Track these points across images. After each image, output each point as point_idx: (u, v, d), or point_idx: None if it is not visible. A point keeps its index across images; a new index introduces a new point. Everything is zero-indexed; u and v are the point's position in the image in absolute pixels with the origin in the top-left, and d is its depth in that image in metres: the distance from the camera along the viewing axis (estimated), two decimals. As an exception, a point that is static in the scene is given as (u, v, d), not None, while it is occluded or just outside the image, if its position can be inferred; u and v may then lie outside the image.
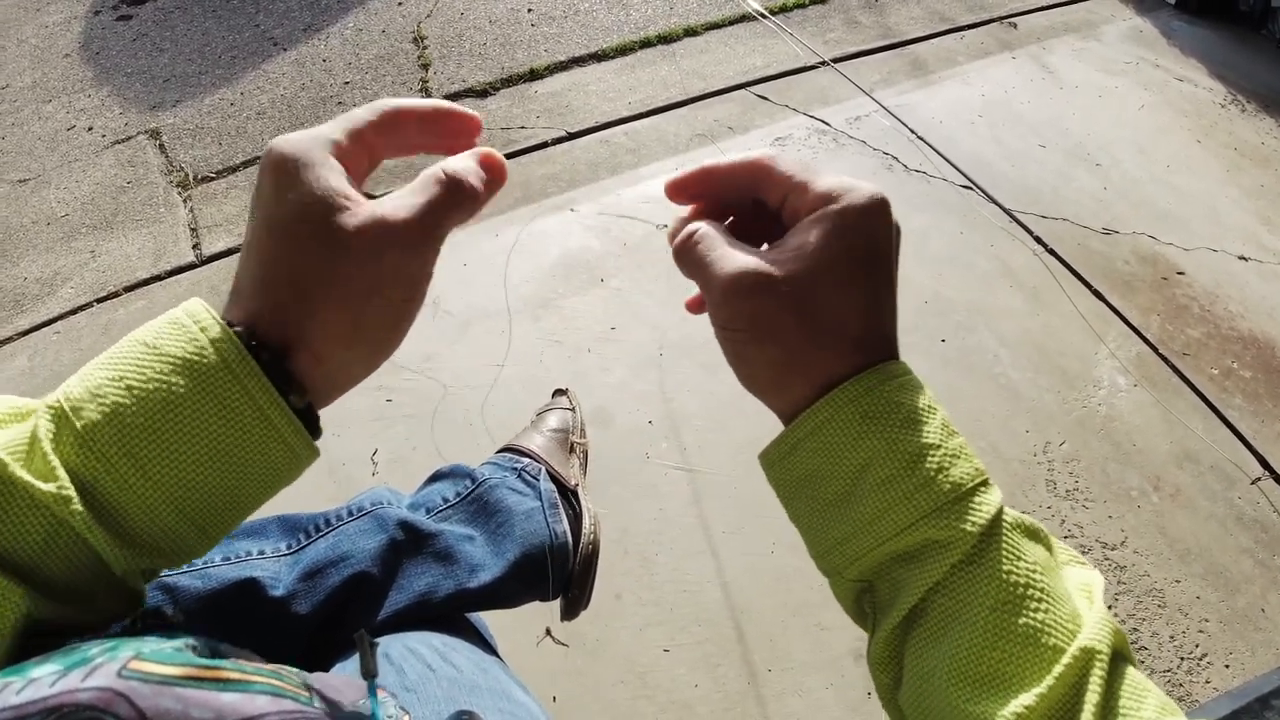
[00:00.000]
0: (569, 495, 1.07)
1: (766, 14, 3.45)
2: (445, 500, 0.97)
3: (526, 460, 1.09)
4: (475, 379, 2.06)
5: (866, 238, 0.45)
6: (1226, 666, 1.72)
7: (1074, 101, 3.10)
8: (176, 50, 3.34)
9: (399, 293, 0.43)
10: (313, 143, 0.43)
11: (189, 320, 0.41)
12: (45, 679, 0.33)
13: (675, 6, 3.53)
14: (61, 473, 0.37)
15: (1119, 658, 0.42)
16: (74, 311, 2.31)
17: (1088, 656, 0.40)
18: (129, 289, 2.37)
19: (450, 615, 0.87)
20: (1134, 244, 2.56)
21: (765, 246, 0.48)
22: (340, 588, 0.80)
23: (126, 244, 2.52)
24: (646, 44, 3.31)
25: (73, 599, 0.39)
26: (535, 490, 1.02)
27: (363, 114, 0.46)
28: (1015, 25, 3.53)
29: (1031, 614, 0.41)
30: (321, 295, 0.41)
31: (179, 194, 2.68)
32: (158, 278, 2.40)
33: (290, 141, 0.43)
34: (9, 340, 2.24)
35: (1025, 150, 2.87)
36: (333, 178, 0.42)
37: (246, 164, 2.78)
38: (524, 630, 1.65)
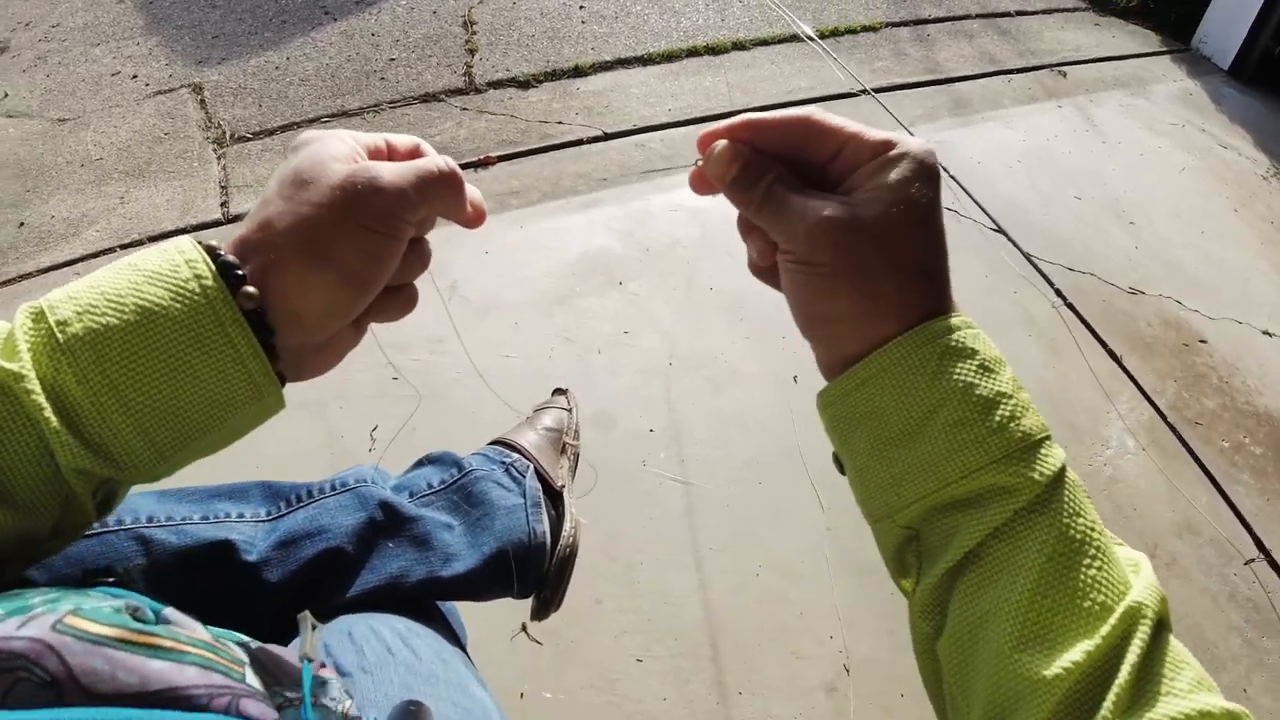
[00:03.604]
0: (554, 496, 1.06)
1: (815, 37, 3.44)
2: (430, 486, 0.97)
3: (516, 456, 1.08)
4: (482, 367, 2.05)
5: (931, 182, 0.48)
6: (1202, 743, 1.69)
7: (1115, 156, 3.08)
8: (229, 8, 3.36)
9: (365, 248, 0.46)
10: (341, 131, 0.49)
11: (169, 244, 0.45)
12: None
13: (726, 19, 3.53)
14: (25, 356, 0.39)
15: (1162, 625, 0.43)
16: (96, 255, 2.32)
17: (1133, 615, 0.41)
18: (153, 239, 2.38)
19: (421, 601, 0.87)
20: (1159, 306, 2.54)
21: None
22: (313, 560, 0.80)
23: (156, 194, 2.54)
24: (694, 53, 3.31)
25: (19, 503, 0.40)
26: (520, 487, 1.02)
27: (397, 138, 0.52)
28: (1065, 74, 3.51)
29: (1085, 569, 0.42)
30: (296, 223, 0.45)
31: (214, 150, 2.70)
32: (183, 230, 2.41)
33: (319, 130, 0.49)
34: (29, 276, 2.26)
35: (1061, 200, 2.85)
36: (343, 147, 0.48)
37: (284, 129, 2.79)
38: (500, 624, 1.64)
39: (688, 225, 2.52)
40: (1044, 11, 4.02)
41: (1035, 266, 2.57)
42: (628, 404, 2.05)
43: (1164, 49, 3.86)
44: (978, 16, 3.86)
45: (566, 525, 1.03)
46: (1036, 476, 0.43)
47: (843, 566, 1.82)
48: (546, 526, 0.99)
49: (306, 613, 0.54)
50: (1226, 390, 2.34)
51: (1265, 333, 2.52)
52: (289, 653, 0.48)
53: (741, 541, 1.83)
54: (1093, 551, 0.42)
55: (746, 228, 0.54)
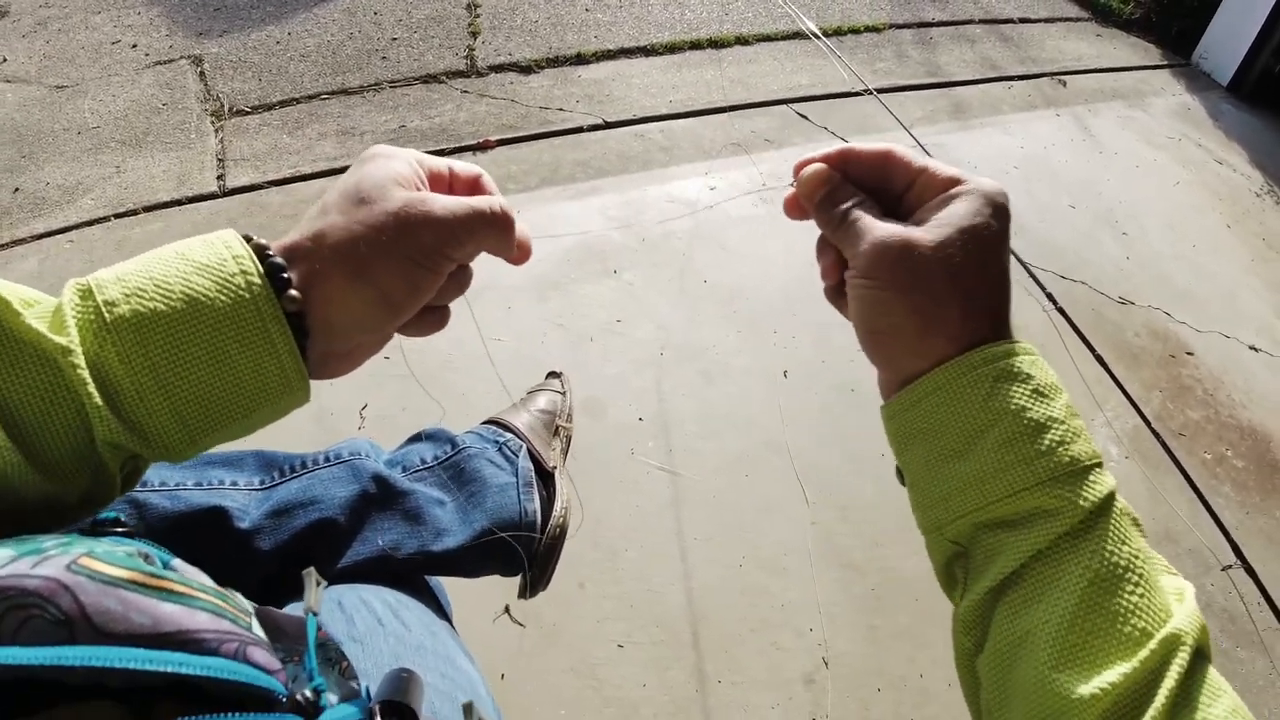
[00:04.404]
0: (546, 476, 1.07)
1: (820, 34, 3.45)
2: (423, 461, 0.97)
3: (509, 435, 1.09)
4: (474, 349, 2.06)
5: (1001, 218, 0.50)
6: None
7: (1111, 167, 3.10)
8: (231, -20, 3.35)
9: (407, 278, 0.48)
10: (410, 151, 0.51)
11: (215, 237, 0.46)
12: None
13: (730, 13, 3.53)
14: (74, 332, 0.40)
15: (1201, 654, 0.44)
16: (91, 223, 2.31)
17: (1173, 642, 0.42)
18: (148, 209, 2.37)
19: (409, 575, 0.87)
20: (1148, 317, 2.56)
21: None
22: (305, 530, 0.81)
23: (152, 164, 2.52)
24: (696, 45, 3.31)
25: (52, 471, 0.41)
26: (513, 466, 1.02)
27: (460, 166, 0.55)
28: (1064, 83, 3.53)
29: (1127, 595, 0.43)
30: (347, 240, 0.46)
31: (212, 123, 2.69)
32: (178, 202, 2.41)
33: (388, 146, 0.51)
34: (22, 241, 2.25)
35: (1055, 208, 2.86)
36: (407, 170, 0.50)
37: (282, 104, 2.78)
38: (482, 604, 1.65)
39: (684, 218, 2.53)
40: (1046, 20, 4.03)
41: (1029, 272, 2.58)
42: (618, 392, 2.05)
43: (1164, 63, 3.88)
44: (980, 22, 3.87)
45: (558, 505, 1.04)
46: (1082, 502, 0.44)
47: (826, 561, 1.83)
48: (538, 506, 0.99)
49: (311, 569, 0.54)
50: (1211, 403, 2.36)
51: (1252, 347, 2.55)
52: (281, 614, 0.49)
53: (726, 533, 1.84)
54: (1135, 578, 0.43)
55: (822, 246, 0.57)
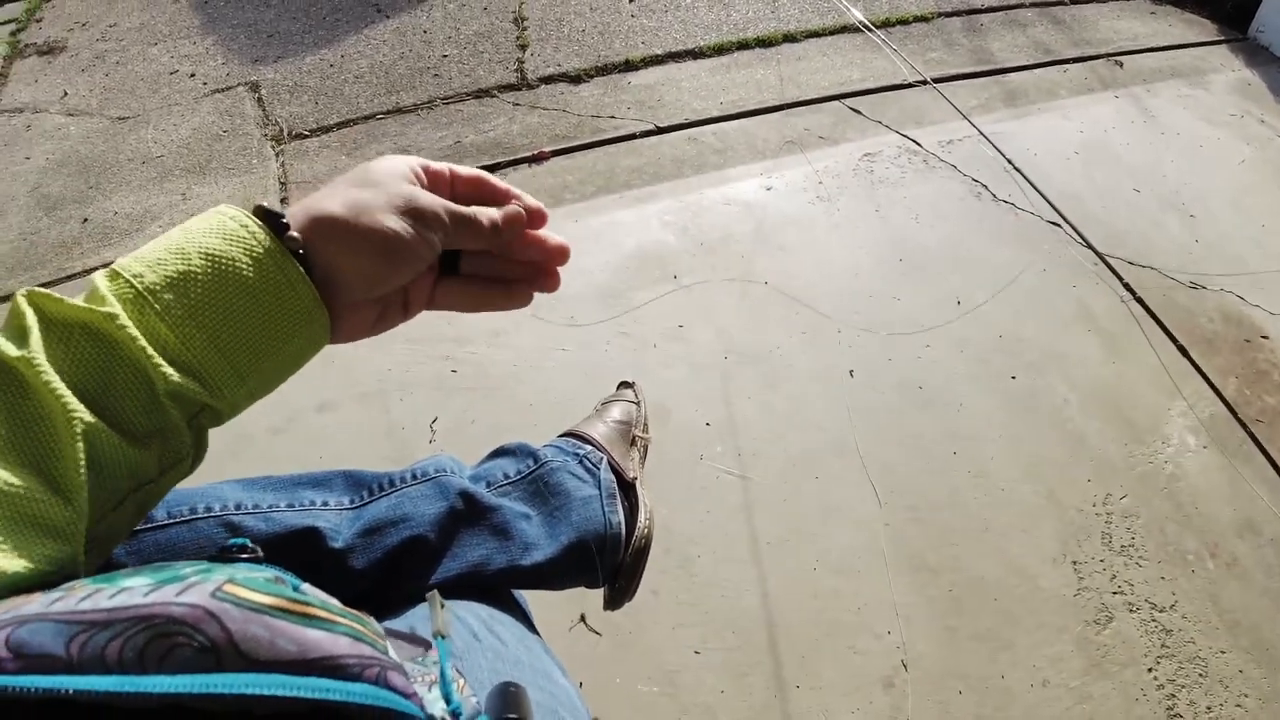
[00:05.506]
0: (627, 487, 1.08)
1: (871, 27, 3.42)
2: (506, 476, 0.99)
3: (588, 448, 1.10)
4: (539, 360, 2.07)
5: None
6: (1263, 745, 1.67)
7: (1173, 148, 3.03)
8: (282, 7, 3.41)
9: (397, 232, 0.54)
10: (411, 156, 0.59)
11: (210, 211, 0.52)
12: (139, 589, 0.35)
13: (777, 10, 3.51)
14: (114, 303, 0.45)
15: None
16: (161, 250, 2.37)
17: None
18: (215, 234, 2.42)
19: (497, 590, 0.88)
20: (1220, 301, 2.49)
21: None
22: (397, 548, 0.82)
23: (217, 190, 2.58)
24: (744, 45, 3.30)
25: (128, 433, 0.46)
26: (595, 478, 1.03)
27: (461, 169, 0.61)
28: (1121, 64, 3.45)
29: None
30: (348, 198, 0.53)
31: (272, 148, 2.74)
32: (244, 226, 2.45)
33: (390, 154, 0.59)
34: (93, 269, 2.31)
35: (1118, 192, 2.80)
36: (405, 167, 0.57)
37: (340, 125, 2.83)
38: (559, 614, 1.66)
39: (742, 219, 2.52)
40: (1098, 0, 3.95)
41: (1103, 260, 2.53)
42: (683, 398, 2.05)
43: (1221, 38, 3.77)
44: (1031, 6, 3.80)
45: (642, 516, 1.05)
46: None
47: (900, 563, 1.82)
48: (622, 517, 1.00)
49: (435, 592, 0.56)
50: (1290, 387, 2.30)
51: (1330, 328, 2.47)
52: (396, 632, 0.50)
53: (798, 537, 1.84)
54: None
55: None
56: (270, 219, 0.51)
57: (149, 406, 0.46)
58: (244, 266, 0.49)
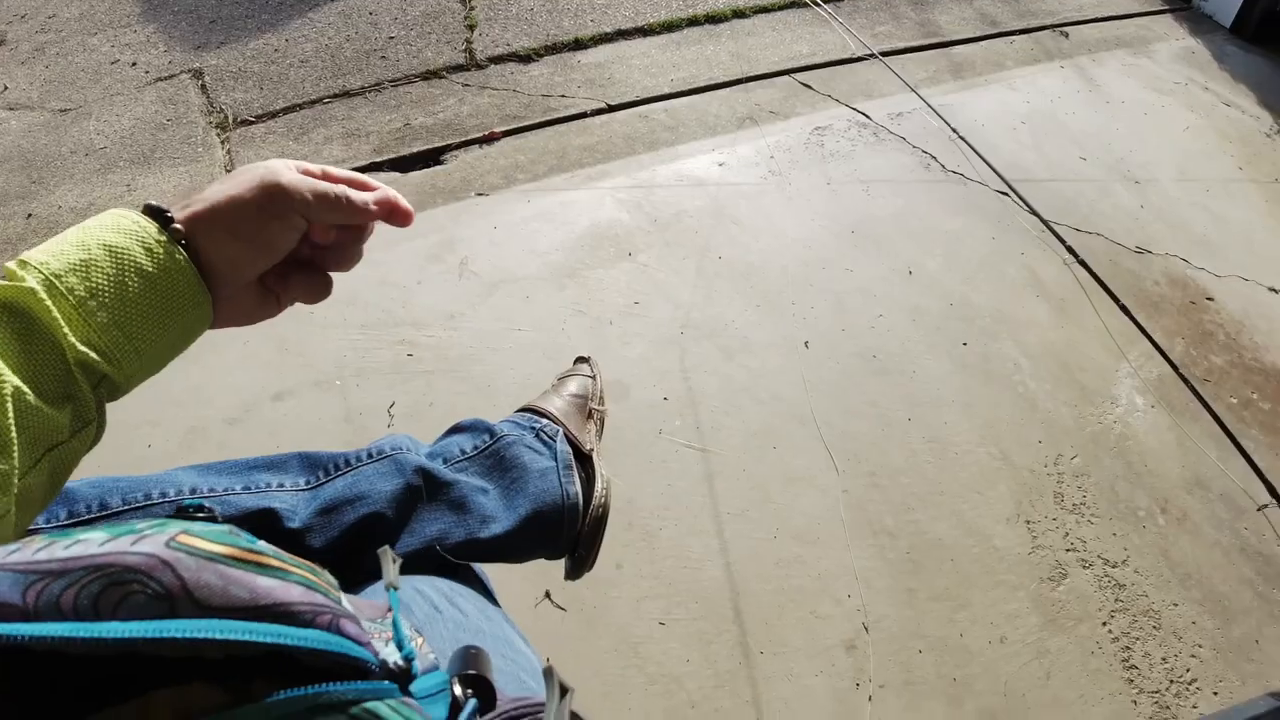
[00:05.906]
0: (584, 459, 1.08)
1: (820, 1, 3.43)
2: (463, 452, 0.99)
3: (545, 421, 1.10)
4: (496, 341, 2.07)
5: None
6: (1215, 694, 1.72)
7: (1119, 117, 3.08)
8: (225, -9, 3.35)
9: (260, 217, 0.59)
10: (284, 159, 0.63)
11: (104, 213, 0.57)
12: (94, 540, 0.35)
13: (725, -13, 3.51)
14: (31, 280, 0.51)
15: None
16: (107, 241, 2.32)
17: None
18: (162, 223, 2.38)
19: (457, 565, 0.88)
20: (1166, 265, 2.54)
21: None
22: (354, 526, 0.82)
23: (162, 180, 2.54)
24: (694, 22, 3.30)
25: (47, 396, 0.50)
26: (551, 450, 1.03)
27: (336, 170, 0.65)
28: (1066, 35, 3.50)
29: None
30: (219, 190, 0.59)
31: (217, 135, 2.70)
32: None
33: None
34: (41, 264, 2.26)
35: (1065, 161, 2.85)
36: (278, 163, 0.62)
37: (286, 110, 2.79)
38: (524, 591, 1.67)
39: (694, 195, 2.52)
40: (1043, -28, 3.99)
41: (1049, 227, 2.57)
42: (641, 373, 2.06)
43: (1165, 7, 3.84)
44: (977, -21, 3.84)
45: (599, 486, 1.05)
46: None
47: (859, 528, 1.84)
48: (579, 488, 1.00)
49: (386, 548, 0.57)
50: (1234, 347, 2.35)
51: (1272, 289, 2.53)
52: (353, 598, 0.50)
53: (758, 507, 1.85)
54: None
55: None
56: (157, 215, 0.57)
57: (61, 374, 0.51)
58: (138, 255, 0.55)
